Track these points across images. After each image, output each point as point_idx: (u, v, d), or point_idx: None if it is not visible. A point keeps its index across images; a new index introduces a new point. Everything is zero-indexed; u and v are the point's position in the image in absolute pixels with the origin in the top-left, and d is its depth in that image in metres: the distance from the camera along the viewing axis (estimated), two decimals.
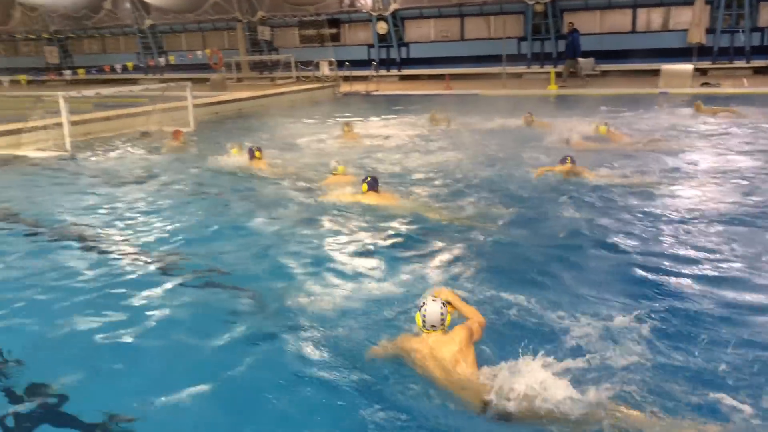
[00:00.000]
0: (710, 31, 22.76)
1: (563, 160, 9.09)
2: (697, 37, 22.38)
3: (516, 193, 8.64)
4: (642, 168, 9.68)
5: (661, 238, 6.57)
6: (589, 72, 22.61)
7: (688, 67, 20.42)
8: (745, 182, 8.73)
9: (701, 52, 22.79)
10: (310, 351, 4.45)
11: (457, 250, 6.39)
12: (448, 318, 4.02)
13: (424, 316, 4.00)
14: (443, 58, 27.02)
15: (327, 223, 7.45)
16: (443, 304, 4.05)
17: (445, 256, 6.22)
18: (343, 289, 5.52)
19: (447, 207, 7.97)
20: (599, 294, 5.19)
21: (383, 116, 17.31)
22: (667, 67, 20.43)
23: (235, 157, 10.76)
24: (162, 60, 27.83)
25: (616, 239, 6.52)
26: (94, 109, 17.43)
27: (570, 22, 23.87)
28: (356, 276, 5.82)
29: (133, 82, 26.61)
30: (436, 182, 9.45)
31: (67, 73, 22.49)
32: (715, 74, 22.36)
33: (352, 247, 6.59)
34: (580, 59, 22.72)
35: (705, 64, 22.68)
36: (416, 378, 3.99)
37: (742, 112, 14.29)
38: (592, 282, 5.48)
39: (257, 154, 10.47)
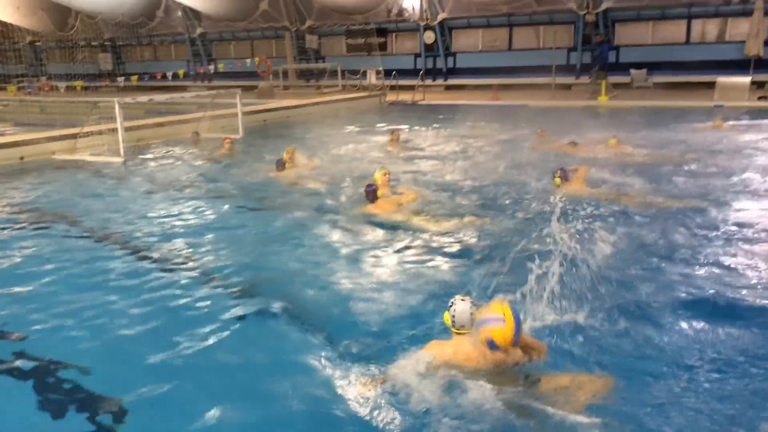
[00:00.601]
0: None
1: (553, 175, 8.96)
2: (755, 49, 21.66)
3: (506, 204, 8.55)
4: (631, 182, 9.38)
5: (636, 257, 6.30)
6: (641, 84, 22.12)
7: (745, 79, 19.79)
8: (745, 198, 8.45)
9: (758, 64, 22.07)
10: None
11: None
12: (474, 318, 3.97)
13: (453, 316, 4.01)
14: (490, 68, 26.81)
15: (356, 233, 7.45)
16: (472, 303, 4.03)
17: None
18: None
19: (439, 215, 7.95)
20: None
21: (428, 126, 17.24)
22: (722, 79, 19.84)
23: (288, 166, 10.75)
24: (211, 68, 28.30)
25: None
26: (145, 115, 17.80)
27: (599, 33, 23.45)
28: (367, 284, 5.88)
29: (183, 89, 27.11)
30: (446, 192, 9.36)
31: (121, 80, 23.01)
32: None
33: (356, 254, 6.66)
34: (632, 71, 22.27)
35: (763, 77, 21.94)
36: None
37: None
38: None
39: (287, 165, 10.57)
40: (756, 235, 6.92)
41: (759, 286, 5.57)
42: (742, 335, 4.68)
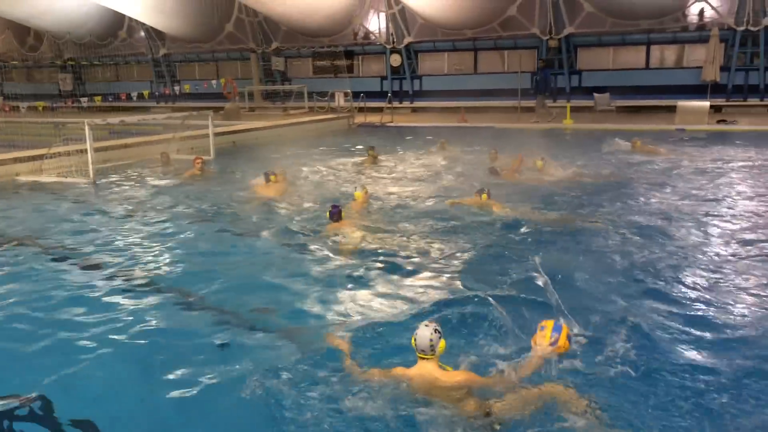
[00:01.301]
0: (724, 68, 22.87)
1: (479, 192, 9.38)
2: (712, 74, 22.48)
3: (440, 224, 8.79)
4: (555, 202, 9.94)
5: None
6: (604, 107, 22.67)
7: (705, 103, 20.48)
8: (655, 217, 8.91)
9: (715, 89, 22.88)
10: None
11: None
12: (441, 345, 4.12)
13: (415, 339, 4.16)
14: (456, 90, 27.15)
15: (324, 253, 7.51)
16: (435, 330, 4.14)
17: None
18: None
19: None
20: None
21: (398, 147, 17.34)
22: (683, 103, 20.49)
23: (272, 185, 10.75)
24: (177, 88, 28.00)
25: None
26: (110, 136, 17.43)
27: (541, 59, 24.06)
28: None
29: (146, 110, 26.73)
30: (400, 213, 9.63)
31: (84, 100, 22.57)
32: (729, 111, 22.41)
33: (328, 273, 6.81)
34: (596, 95, 22.81)
35: (719, 101, 22.74)
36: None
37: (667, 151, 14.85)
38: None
39: (272, 178, 10.67)
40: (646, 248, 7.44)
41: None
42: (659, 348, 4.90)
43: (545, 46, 25.26)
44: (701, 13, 23.32)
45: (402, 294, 6.19)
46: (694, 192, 10.68)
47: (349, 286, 6.43)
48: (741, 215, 9.07)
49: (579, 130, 20.23)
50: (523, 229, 8.32)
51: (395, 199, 10.57)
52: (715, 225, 8.54)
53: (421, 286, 6.35)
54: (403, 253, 7.38)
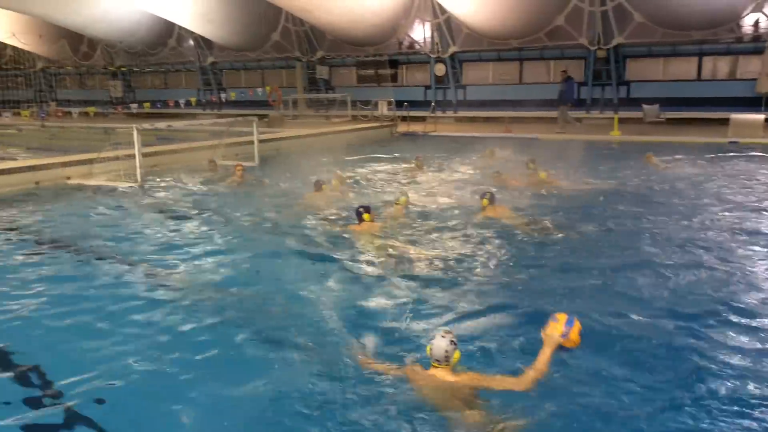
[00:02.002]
0: None
1: (482, 196, 9.34)
2: (767, 86, 21.79)
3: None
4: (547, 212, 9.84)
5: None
6: (653, 119, 22.14)
7: (760, 116, 19.81)
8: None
9: None
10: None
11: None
12: (456, 356, 4.20)
13: (431, 349, 4.22)
14: (501, 101, 26.89)
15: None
16: (451, 341, 4.20)
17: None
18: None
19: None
20: None
21: (439, 156, 17.22)
22: (736, 116, 19.85)
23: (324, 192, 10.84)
24: (223, 96, 28.46)
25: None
26: (157, 142, 17.76)
27: (563, 70, 23.63)
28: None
29: (193, 116, 27.19)
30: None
31: (134, 107, 23.10)
32: None
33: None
34: (644, 106, 22.30)
35: None
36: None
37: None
38: None
39: (324, 187, 10.71)
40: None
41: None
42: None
43: (593, 56, 24.85)
44: (756, 23, 22.62)
45: (420, 301, 6.18)
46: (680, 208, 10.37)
47: (367, 293, 6.43)
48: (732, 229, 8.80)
49: (626, 142, 19.78)
50: (523, 238, 8.44)
51: (432, 206, 10.56)
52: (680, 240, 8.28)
53: (439, 296, 6.34)
54: (425, 261, 7.41)
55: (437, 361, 4.19)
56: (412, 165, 14.48)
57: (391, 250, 7.71)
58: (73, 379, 4.64)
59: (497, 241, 8.18)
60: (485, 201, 9.29)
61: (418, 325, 5.54)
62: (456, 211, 10.05)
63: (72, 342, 5.33)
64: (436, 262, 7.32)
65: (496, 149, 16.30)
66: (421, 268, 7.13)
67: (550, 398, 4.23)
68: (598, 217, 9.67)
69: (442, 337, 4.22)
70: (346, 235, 8.40)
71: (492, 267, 7.22)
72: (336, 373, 4.68)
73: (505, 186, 11.70)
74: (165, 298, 6.33)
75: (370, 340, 5.03)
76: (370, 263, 7.31)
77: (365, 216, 8.29)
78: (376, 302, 6.14)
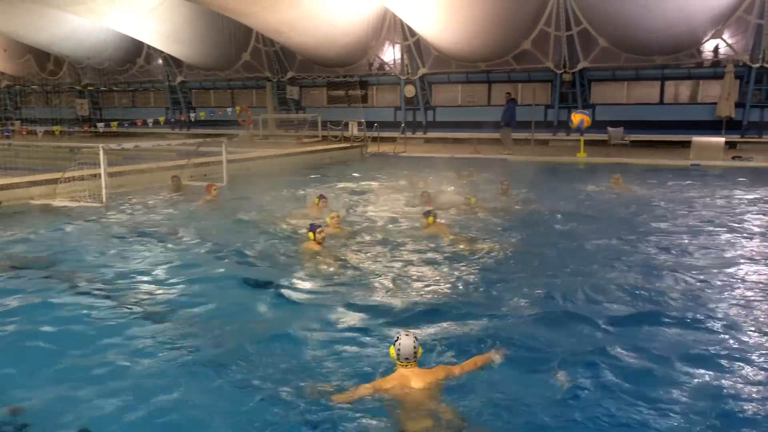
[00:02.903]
0: (739, 105, 22.81)
1: (426, 214, 9.80)
2: (726, 110, 22.44)
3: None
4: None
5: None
6: (617, 141, 22.59)
7: (720, 139, 20.37)
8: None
9: (730, 125, 22.81)
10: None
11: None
12: (419, 352, 4.52)
13: (398, 349, 4.46)
14: (470, 122, 27.18)
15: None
16: (414, 338, 4.51)
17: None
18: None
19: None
20: None
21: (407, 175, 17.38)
22: (698, 139, 20.39)
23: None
24: (192, 115, 28.27)
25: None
26: (124, 161, 17.54)
27: (508, 92, 24.14)
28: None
29: (161, 136, 26.93)
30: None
31: (101, 126, 22.79)
32: (744, 148, 22.28)
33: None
34: (609, 129, 22.74)
35: (734, 138, 22.63)
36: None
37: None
38: None
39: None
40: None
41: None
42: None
43: (559, 79, 25.32)
44: (716, 49, 23.30)
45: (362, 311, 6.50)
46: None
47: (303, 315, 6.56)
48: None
49: (592, 164, 20.16)
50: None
51: (386, 223, 11.09)
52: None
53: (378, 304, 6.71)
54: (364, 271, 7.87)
55: (406, 359, 4.45)
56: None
57: (329, 267, 8.04)
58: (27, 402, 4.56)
59: (436, 256, 8.67)
60: (431, 219, 9.73)
61: (363, 339, 5.77)
62: (403, 228, 10.55)
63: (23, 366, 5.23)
64: (371, 278, 7.70)
65: (474, 170, 16.78)
66: (357, 283, 7.48)
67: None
68: (520, 236, 10.14)
69: (407, 336, 4.51)
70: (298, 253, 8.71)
71: (428, 279, 7.66)
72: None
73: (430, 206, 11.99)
74: (126, 321, 6.22)
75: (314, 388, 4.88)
76: (313, 281, 7.61)
77: (310, 234, 8.55)
78: (314, 325, 6.21)
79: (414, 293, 7.15)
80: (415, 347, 4.45)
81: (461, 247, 9.09)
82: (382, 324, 6.11)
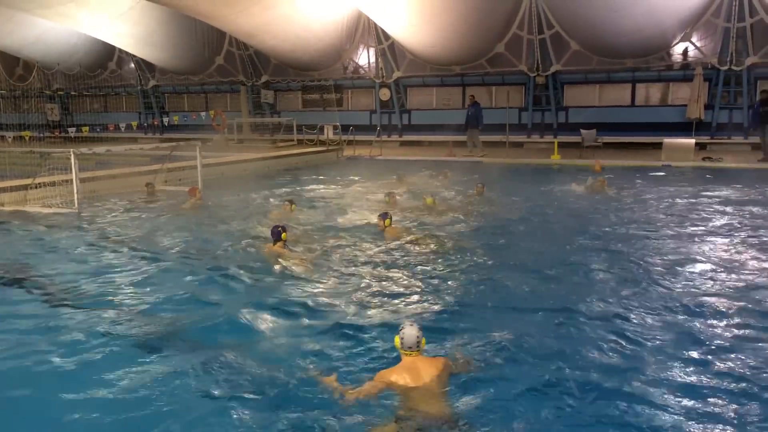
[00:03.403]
0: (709, 107, 23.24)
1: (382, 217, 9.93)
2: (696, 112, 22.84)
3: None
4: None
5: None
6: (591, 143, 22.85)
7: (690, 141, 20.71)
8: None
9: (699, 126, 23.21)
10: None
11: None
12: (423, 342, 4.66)
13: (402, 338, 4.63)
14: (445, 125, 27.26)
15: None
16: (419, 327, 4.67)
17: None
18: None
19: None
20: None
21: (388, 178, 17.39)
22: (669, 140, 20.72)
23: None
24: (166, 120, 28.00)
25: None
26: (97, 167, 17.31)
27: (471, 95, 24.51)
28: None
29: (134, 140, 26.63)
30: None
31: (72, 130, 22.44)
32: (713, 149, 22.69)
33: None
34: (583, 131, 22.98)
35: (704, 139, 23.03)
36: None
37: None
38: None
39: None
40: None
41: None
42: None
43: (533, 82, 25.56)
44: (685, 52, 23.71)
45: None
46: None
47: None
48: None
49: (566, 165, 20.36)
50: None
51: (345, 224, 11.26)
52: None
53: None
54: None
55: (410, 348, 4.60)
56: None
57: (294, 267, 8.15)
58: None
59: (395, 255, 8.91)
60: (387, 221, 9.87)
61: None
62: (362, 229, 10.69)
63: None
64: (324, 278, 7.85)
65: (448, 171, 16.99)
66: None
67: None
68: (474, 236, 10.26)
69: (411, 325, 4.66)
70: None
71: (390, 277, 7.83)
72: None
73: (395, 208, 12.09)
74: (100, 330, 6.10)
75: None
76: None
77: (283, 236, 8.60)
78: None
79: (369, 296, 7.21)
80: (418, 337, 4.59)
81: (417, 247, 9.27)
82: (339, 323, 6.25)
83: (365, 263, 8.53)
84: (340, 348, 5.65)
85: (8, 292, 7.38)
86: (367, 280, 7.74)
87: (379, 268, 8.26)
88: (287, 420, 4.41)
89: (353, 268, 8.29)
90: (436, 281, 7.67)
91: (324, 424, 4.32)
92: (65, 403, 4.71)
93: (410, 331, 4.59)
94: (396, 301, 6.93)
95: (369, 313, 6.55)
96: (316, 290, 7.35)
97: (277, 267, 8.14)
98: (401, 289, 7.36)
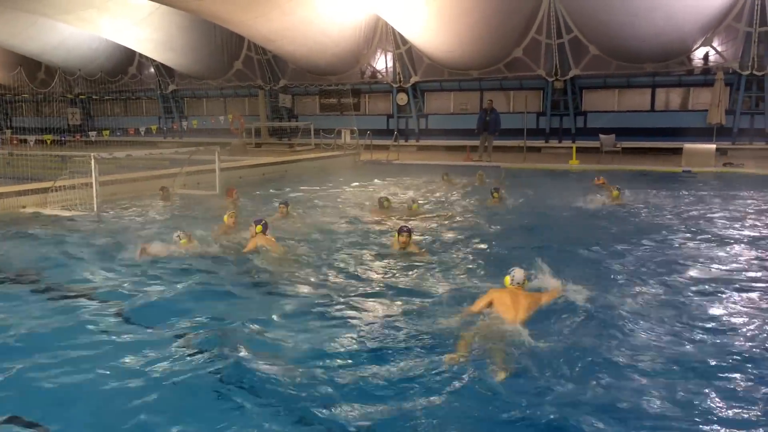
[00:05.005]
0: (730, 112, 22.96)
1: (400, 231, 9.23)
2: (717, 117, 22.56)
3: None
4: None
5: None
6: (609, 149, 22.66)
7: (711, 146, 20.47)
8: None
9: (720, 132, 22.93)
10: None
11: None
12: (526, 282, 6.28)
13: (513, 276, 6.18)
14: (462, 130, 27.22)
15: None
16: (526, 271, 6.32)
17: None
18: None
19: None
20: None
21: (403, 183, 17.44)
22: (689, 146, 20.48)
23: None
24: (185, 124, 28.22)
25: None
26: (116, 170, 17.45)
27: (489, 100, 24.31)
28: None
29: (153, 145, 26.87)
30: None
31: (92, 134, 22.69)
32: (734, 154, 22.39)
33: None
34: (602, 136, 22.80)
35: (725, 144, 22.75)
36: None
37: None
38: None
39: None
40: None
41: None
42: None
43: (551, 87, 25.43)
44: (706, 57, 23.48)
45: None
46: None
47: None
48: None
49: (585, 171, 20.18)
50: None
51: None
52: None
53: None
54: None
55: (518, 283, 6.14)
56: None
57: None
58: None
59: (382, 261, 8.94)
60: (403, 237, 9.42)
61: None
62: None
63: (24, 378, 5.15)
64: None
65: (483, 173, 17.30)
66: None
67: None
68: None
69: (520, 269, 6.24)
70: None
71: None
72: None
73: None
74: (118, 330, 6.16)
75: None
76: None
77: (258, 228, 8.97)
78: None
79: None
80: (525, 276, 6.21)
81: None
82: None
83: (365, 263, 8.66)
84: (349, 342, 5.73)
85: (19, 290, 7.46)
86: (368, 280, 7.86)
87: (379, 269, 8.37)
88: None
89: (353, 268, 8.47)
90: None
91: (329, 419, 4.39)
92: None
93: (519, 272, 6.18)
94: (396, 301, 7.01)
95: (369, 310, 6.70)
96: (316, 290, 7.50)
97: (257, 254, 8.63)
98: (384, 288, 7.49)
